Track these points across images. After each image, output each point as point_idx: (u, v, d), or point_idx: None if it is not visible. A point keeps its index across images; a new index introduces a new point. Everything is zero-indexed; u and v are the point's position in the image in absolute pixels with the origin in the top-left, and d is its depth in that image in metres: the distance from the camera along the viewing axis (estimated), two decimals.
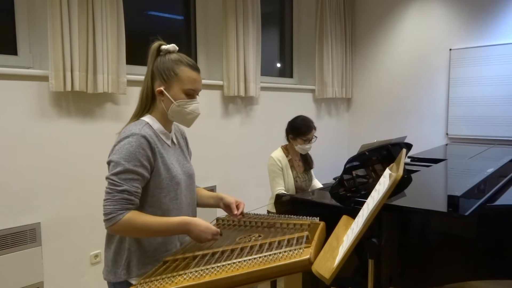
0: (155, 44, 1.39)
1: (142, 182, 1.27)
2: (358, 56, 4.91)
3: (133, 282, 1.33)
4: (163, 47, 1.38)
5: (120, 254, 1.33)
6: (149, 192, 1.32)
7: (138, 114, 1.40)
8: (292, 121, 2.66)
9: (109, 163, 1.27)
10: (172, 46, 1.39)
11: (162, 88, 1.35)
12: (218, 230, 1.31)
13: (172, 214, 1.36)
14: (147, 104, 1.40)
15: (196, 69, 1.39)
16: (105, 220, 1.21)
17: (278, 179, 2.56)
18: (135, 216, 1.22)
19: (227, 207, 1.53)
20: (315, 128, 2.64)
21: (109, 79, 2.50)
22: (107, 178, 1.24)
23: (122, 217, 1.20)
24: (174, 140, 1.47)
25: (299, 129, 2.59)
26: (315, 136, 2.64)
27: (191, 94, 1.38)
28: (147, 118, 1.38)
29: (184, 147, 1.53)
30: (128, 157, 1.24)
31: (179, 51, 1.42)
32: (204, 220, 1.32)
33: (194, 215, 1.51)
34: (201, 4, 3.43)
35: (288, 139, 2.67)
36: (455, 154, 3.21)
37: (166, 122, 1.41)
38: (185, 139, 1.58)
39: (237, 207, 1.52)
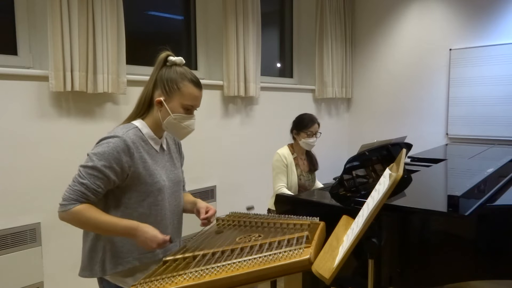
0: (163, 54, 1.39)
1: (106, 183, 1.29)
2: (358, 56, 4.91)
3: (108, 279, 1.38)
4: (171, 58, 1.39)
5: (95, 251, 1.36)
6: (126, 195, 1.35)
7: (130, 118, 1.43)
8: (296, 118, 2.72)
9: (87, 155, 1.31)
10: (179, 59, 1.40)
11: (162, 99, 1.36)
12: (167, 238, 1.30)
13: (150, 219, 1.38)
14: (143, 109, 1.41)
15: (198, 86, 1.40)
16: (59, 204, 1.26)
17: (281, 175, 2.58)
18: (85, 210, 1.26)
19: (197, 211, 1.54)
20: (318, 124, 2.67)
21: (109, 79, 2.50)
22: (78, 167, 1.28)
23: (72, 207, 1.24)
24: (164, 146, 1.48)
25: (302, 122, 2.64)
26: (319, 132, 2.66)
27: (189, 110, 1.40)
28: (137, 122, 1.40)
29: (174, 153, 1.54)
30: (101, 156, 1.27)
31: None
32: (154, 228, 1.31)
33: (180, 222, 1.54)
34: (201, 4, 3.43)
35: (293, 137, 2.70)
36: (455, 154, 3.21)
37: (157, 129, 1.42)
38: (177, 144, 1.58)
39: (207, 212, 1.51)
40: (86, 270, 1.37)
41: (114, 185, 1.32)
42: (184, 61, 1.41)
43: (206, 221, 1.50)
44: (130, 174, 1.33)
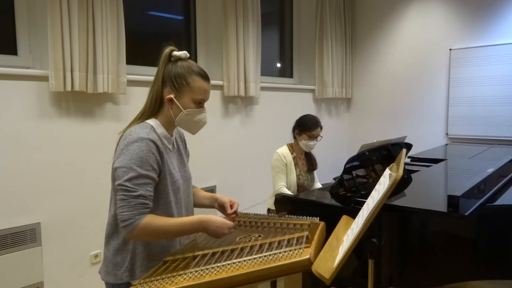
0: (167, 50, 1.37)
1: (153, 186, 1.28)
2: (358, 56, 4.91)
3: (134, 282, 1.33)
4: (175, 53, 1.37)
5: (121, 255, 1.33)
6: (155, 196, 1.32)
7: (142, 117, 1.39)
8: (300, 117, 2.72)
9: (117, 168, 1.25)
10: (183, 53, 1.38)
11: (172, 96, 1.35)
12: (233, 223, 1.34)
13: (174, 217, 1.37)
14: (155, 108, 1.39)
15: (207, 78, 1.39)
16: (123, 227, 1.21)
17: (281, 174, 2.58)
18: (152, 220, 1.23)
19: (221, 206, 1.54)
20: (321, 127, 2.67)
21: (109, 79, 2.50)
22: (119, 184, 1.22)
23: (140, 221, 1.20)
24: (174, 143, 1.48)
25: (306, 124, 2.64)
26: (321, 136, 2.66)
27: (200, 103, 1.39)
28: (151, 122, 1.37)
29: (182, 150, 1.54)
30: (140, 162, 1.24)
31: (179, 51, 1.42)
32: (216, 216, 1.33)
33: None
34: (201, 4, 3.43)
35: (294, 136, 2.71)
36: (455, 154, 3.21)
37: (169, 126, 1.41)
38: (183, 141, 1.58)
39: (231, 206, 1.52)
40: (111, 275, 1.33)
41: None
42: (188, 55, 1.40)
43: (235, 215, 1.50)
44: (161, 173, 1.32)
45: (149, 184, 1.25)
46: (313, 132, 2.62)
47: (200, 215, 1.32)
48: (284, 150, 2.66)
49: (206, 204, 1.59)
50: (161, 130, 1.37)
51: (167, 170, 1.35)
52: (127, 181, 1.22)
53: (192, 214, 1.53)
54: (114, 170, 1.27)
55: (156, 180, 1.29)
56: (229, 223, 1.33)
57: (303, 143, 2.63)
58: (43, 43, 2.36)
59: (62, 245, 2.41)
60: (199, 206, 1.61)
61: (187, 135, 1.57)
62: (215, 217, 1.32)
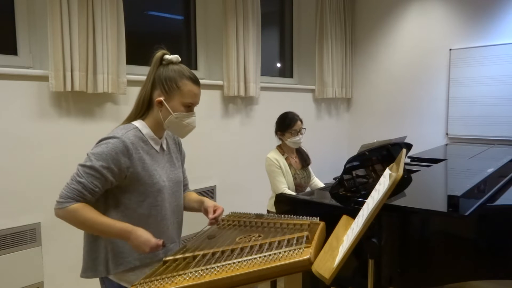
0: (159, 53, 1.39)
1: (104, 183, 1.30)
2: (358, 56, 4.91)
3: (112, 279, 1.38)
4: (166, 57, 1.39)
5: (97, 251, 1.36)
6: (126, 195, 1.35)
7: (130, 118, 1.43)
8: (278, 119, 2.73)
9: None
10: (175, 57, 1.40)
11: (162, 99, 1.37)
12: (160, 242, 1.30)
13: (151, 219, 1.39)
14: (142, 109, 1.41)
15: (197, 83, 1.41)
16: (56, 202, 1.27)
17: (279, 177, 2.58)
18: (81, 209, 1.26)
19: (205, 210, 1.54)
20: (301, 120, 2.67)
21: (109, 79, 2.50)
22: (77, 165, 1.30)
23: (68, 205, 1.25)
24: (164, 146, 1.48)
25: (284, 122, 2.65)
26: (304, 128, 2.66)
27: (189, 107, 1.40)
28: (137, 123, 1.39)
29: (175, 153, 1.54)
30: (99, 156, 1.28)
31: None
32: (148, 233, 1.31)
33: (180, 222, 1.54)
34: (201, 4, 3.43)
35: (279, 139, 2.72)
36: (455, 154, 3.21)
37: (158, 129, 1.42)
38: (177, 144, 1.58)
39: (215, 211, 1.51)
40: (90, 271, 1.36)
41: (111, 185, 1.33)
42: (180, 59, 1.42)
43: (214, 221, 1.50)
44: (129, 175, 1.33)
45: (97, 178, 1.28)
46: (294, 127, 2.62)
47: (130, 225, 1.30)
48: (274, 154, 2.66)
49: (195, 208, 1.60)
50: (146, 131, 1.39)
51: (143, 172, 1.35)
52: (80, 166, 1.29)
53: (181, 217, 1.54)
54: None
55: (109, 179, 1.29)
56: (153, 242, 1.28)
57: (290, 141, 2.63)
58: (43, 43, 2.36)
59: (62, 245, 2.41)
60: (190, 209, 1.61)
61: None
62: (144, 233, 1.29)
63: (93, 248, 1.37)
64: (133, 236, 1.29)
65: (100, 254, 1.36)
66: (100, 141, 1.33)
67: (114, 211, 1.35)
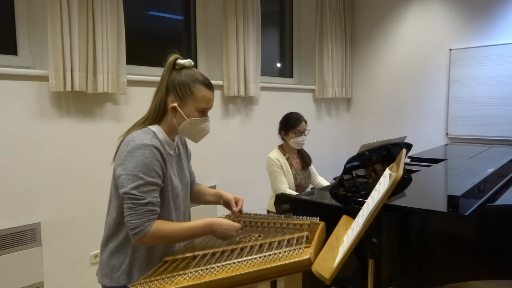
0: (172, 58, 1.38)
1: (159, 192, 1.29)
2: (358, 56, 4.91)
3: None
4: (179, 61, 1.38)
5: (119, 257, 1.33)
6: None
7: (146, 122, 1.39)
8: (282, 118, 2.72)
9: (121, 175, 1.25)
10: (188, 62, 1.39)
11: (176, 105, 1.35)
12: (240, 225, 1.37)
13: (180, 222, 1.39)
14: (159, 115, 1.39)
15: (211, 87, 1.40)
16: (133, 235, 1.22)
17: (280, 177, 2.58)
18: (161, 226, 1.25)
19: (226, 203, 1.58)
20: (305, 121, 2.67)
21: (109, 79, 2.50)
22: (126, 193, 1.23)
23: (149, 228, 1.22)
24: (176, 149, 1.48)
25: (289, 122, 2.64)
26: (307, 130, 2.66)
27: (204, 112, 1.39)
28: (154, 128, 1.37)
29: (183, 154, 1.54)
30: (145, 169, 1.25)
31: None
32: (224, 219, 1.37)
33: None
34: (201, 4, 3.43)
35: (282, 138, 2.71)
36: (455, 154, 3.21)
37: (172, 133, 1.41)
38: (184, 144, 1.58)
39: (236, 203, 1.56)
40: (106, 278, 1.34)
41: None
42: (192, 63, 1.40)
43: (239, 212, 1.55)
44: (163, 180, 1.33)
45: (155, 190, 1.27)
46: (298, 128, 2.62)
47: (208, 219, 1.34)
48: (276, 153, 2.66)
49: (211, 201, 1.62)
50: (163, 136, 1.38)
51: (169, 177, 1.36)
52: (133, 189, 1.22)
53: (189, 219, 1.54)
54: (118, 177, 1.26)
55: (161, 186, 1.31)
56: (236, 225, 1.36)
57: (292, 141, 2.63)
58: (43, 43, 2.36)
59: (62, 245, 2.41)
60: (205, 202, 1.63)
61: None
62: (222, 220, 1.35)
63: (113, 255, 1.34)
64: (217, 226, 1.32)
65: (123, 261, 1.33)
66: (128, 153, 1.26)
67: None
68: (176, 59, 1.38)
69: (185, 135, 1.43)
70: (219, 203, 1.60)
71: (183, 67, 1.38)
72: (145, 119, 1.40)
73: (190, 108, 1.36)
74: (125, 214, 1.23)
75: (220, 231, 1.32)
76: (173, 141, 1.44)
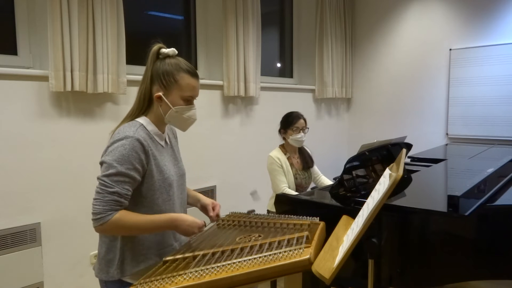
0: (155, 47, 1.38)
1: (133, 185, 1.29)
2: (358, 56, 4.91)
3: (127, 280, 1.35)
4: (163, 50, 1.38)
5: (112, 252, 1.35)
6: (142, 194, 1.34)
7: (133, 115, 1.41)
8: (282, 117, 2.74)
9: (101, 163, 1.29)
10: (171, 51, 1.39)
11: (161, 94, 1.36)
12: (203, 222, 1.35)
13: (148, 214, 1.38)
14: (144, 106, 1.40)
15: (195, 75, 1.39)
16: (93, 219, 1.25)
17: (280, 176, 2.58)
18: (123, 216, 1.25)
19: (203, 208, 1.57)
20: (305, 120, 2.68)
21: (109, 79, 2.50)
22: (98, 178, 1.26)
23: (110, 217, 1.23)
24: (167, 140, 1.48)
25: (287, 120, 2.66)
26: (307, 128, 2.66)
27: (189, 100, 1.39)
28: (141, 120, 1.38)
29: (175, 146, 1.54)
30: (121, 159, 1.26)
31: (179, 51, 1.42)
32: (189, 215, 1.36)
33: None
34: (201, 4, 3.43)
35: (282, 137, 2.72)
36: (455, 154, 3.21)
37: (160, 124, 1.42)
38: (176, 138, 1.58)
39: (213, 208, 1.54)
40: (103, 272, 1.36)
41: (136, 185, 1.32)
42: (176, 52, 1.40)
43: (217, 217, 1.53)
44: (146, 172, 1.33)
45: (127, 182, 1.27)
46: (296, 125, 2.63)
47: (173, 214, 1.35)
48: (276, 153, 2.66)
49: (190, 203, 1.61)
50: (151, 127, 1.39)
51: (156, 168, 1.35)
52: (105, 177, 1.25)
53: (186, 210, 1.54)
54: (100, 165, 1.30)
55: (137, 179, 1.30)
56: (199, 222, 1.34)
57: (291, 139, 2.64)
58: (43, 43, 2.36)
59: (62, 245, 2.41)
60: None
61: (184, 133, 1.57)
62: (186, 216, 1.34)
63: (108, 249, 1.36)
64: (180, 222, 1.32)
65: (116, 255, 1.34)
66: (111, 144, 1.29)
67: (132, 211, 1.33)
68: (160, 48, 1.38)
69: (172, 124, 1.43)
70: (196, 206, 1.60)
71: (167, 56, 1.38)
72: (132, 112, 1.41)
73: (175, 96, 1.36)
74: (93, 198, 1.26)
75: (183, 227, 1.32)
76: (163, 132, 1.44)
